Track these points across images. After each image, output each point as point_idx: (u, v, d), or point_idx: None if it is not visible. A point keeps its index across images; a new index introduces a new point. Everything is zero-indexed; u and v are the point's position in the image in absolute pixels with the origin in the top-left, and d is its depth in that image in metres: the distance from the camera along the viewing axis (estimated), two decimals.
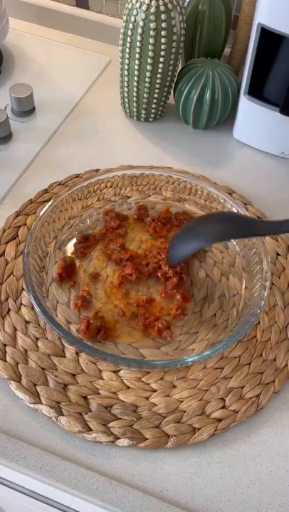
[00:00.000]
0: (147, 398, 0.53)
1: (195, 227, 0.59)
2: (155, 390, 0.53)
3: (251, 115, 0.74)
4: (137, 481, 0.49)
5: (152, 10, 0.65)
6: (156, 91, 0.74)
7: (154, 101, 0.76)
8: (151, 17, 0.65)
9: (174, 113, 0.80)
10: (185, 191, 0.67)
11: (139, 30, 0.67)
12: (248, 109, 0.73)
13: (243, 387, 0.54)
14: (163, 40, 0.67)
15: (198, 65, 0.74)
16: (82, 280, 0.61)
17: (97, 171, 0.72)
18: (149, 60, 0.69)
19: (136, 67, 0.71)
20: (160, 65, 0.70)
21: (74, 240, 0.64)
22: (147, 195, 0.69)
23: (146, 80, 0.72)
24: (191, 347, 0.56)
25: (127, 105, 0.79)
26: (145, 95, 0.75)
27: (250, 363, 0.55)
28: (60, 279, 0.60)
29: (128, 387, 0.53)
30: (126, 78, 0.74)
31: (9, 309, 0.58)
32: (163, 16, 0.65)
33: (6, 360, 0.54)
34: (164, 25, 0.66)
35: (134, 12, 0.66)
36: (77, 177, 0.71)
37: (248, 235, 0.58)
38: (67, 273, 0.60)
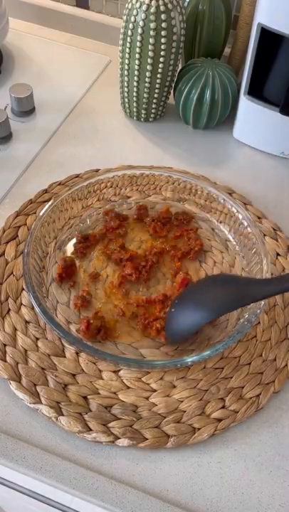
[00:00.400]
0: (147, 398, 0.53)
1: (194, 300, 0.54)
2: (155, 390, 0.53)
3: (251, 115, 0.74)
4: (137, 481, 0.49)
5: (152, 10, 0.65)
6: (156, 91, 0.74)
7: (154, 101, 0.76)
8: (151, 17, 0.65)
9: (174, 113, 0.80)
10: (185, 191, 0.67)
11: (139, 30, 0.67)
12: (248, 109, 0.73)
13: (243, 387, 0.54)
14: (163, 40, 0.67)
15: (198, 65, 0.74)
16: (82, 280, 0.61)
17: (97, 171, 0.72)
18: (149, 60, 0.69)
19: (136, 67, 0.71)
20: (160, 65, 0.70)
21: (74, 240, 0.64)
22: (147, 195, 0.69)
23: (146, 79, 0.72)
24: (191, 347, 0.56)
25: (127, 105, 0.79)
26: (145, 95, 0.75)
27: (250, 363, 0.55)
28: (60, 279, 0.60)
29: (128, 387, 0.53)
30: (126, 78, 0.74)
31: (9, 309, 0.58)
32: (163, 16, 0.65)
33: (6, 360, 0.54)
34: (164, 25, 0.66)
35: (134, 12, 0.66)
36: (77, 177, 0.71)
37: (254, 301, 0.52)
38: (67, 273, 0.60)
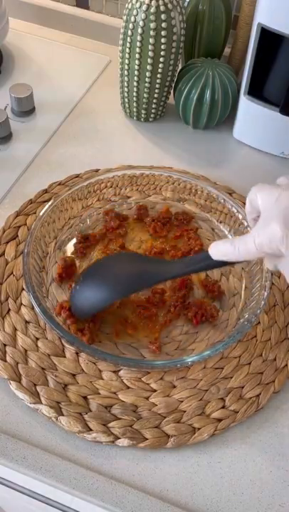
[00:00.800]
0: (147, 398, 0.53)
1: (104, 276, 0.53)
2: (155, 390, 0.53)
3: (251, 115, 0.74)
4: (137, 481, 0.49)
5: (152, 10, 0.65)
6: (156, 91, 0.74)
7: (154, 101, 0.76)
8: (151, 17, 0.65)
9: (174, 113, 0.80)
10: (185, 191, 0.67)
11: (139, 30, 0.67)
12: (248, 109, 0.73)
13: (243, 387, 0.54)
14: (163, 40, 0.67)
15: (198, 65, 0.74)
16: None
17: (97, 171, 0.72)
18: (149, 60, 0.69)
19: (136, 67, 0.71)
20: (160, 65, 0.70)
21: (74, 240, 0.64)
22: (147, 195, 0.69)
23: (146, 79, 0.72)
24: (191, 347, 0.56)
25: (127, 105, 0.79)
26: (145, 95, 0.75)
27: (250, 363, 0.55)
28: (60, 279, 0.60)
29: (128, 387, 0.53)
30: (126, 78, 0.74)
31: (9, 309, 0.58)
32: (163, 16, 0.65)
33: (6, 360, 0.54)
34: (164, 25, 0.66)
35: (134, 12, 0.66)
36: (77, 177, 0.71)
37: (150, 286, 0.55)
38: (67, 273, 0.60)
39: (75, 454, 0.50)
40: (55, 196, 0.63)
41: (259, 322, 0.58)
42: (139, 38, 0.67)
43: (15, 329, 0.56)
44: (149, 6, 0.65)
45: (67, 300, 0.56)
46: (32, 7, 0.93)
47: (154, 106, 0.77)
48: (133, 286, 0.53)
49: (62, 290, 0.60)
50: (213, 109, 0.75)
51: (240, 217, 0.62)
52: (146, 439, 0.50)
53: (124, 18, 0.68)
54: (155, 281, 0.53)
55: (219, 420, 0.52)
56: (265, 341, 0.57)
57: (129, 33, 0.68)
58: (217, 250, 0.46)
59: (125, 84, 0.75)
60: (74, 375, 0.54)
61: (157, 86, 0.73)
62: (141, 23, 0.66)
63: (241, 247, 0.43)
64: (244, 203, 0.68)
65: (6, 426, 0.51)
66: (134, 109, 0.78)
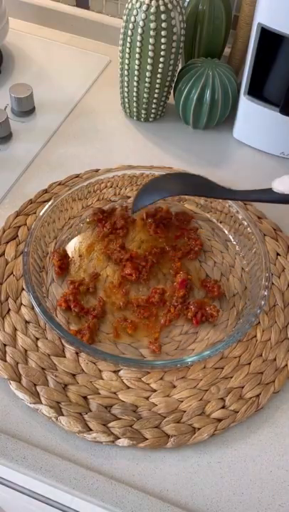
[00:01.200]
0: (147, 398, 0.53)
1: (159, 183, 0.63)
2: (155, 390, 0.53)
3: (251, 115, 0.74)
4: (137, 481, 0.49)
5: (152, 10, 0.65)
6: (156, 91, 0.74)
7: (154, 101, 0.76)
8: (151, 17, 0.65)
9: (174, 113, 0.80)
10: None
11: (139, 30, 0.67)
12: (248, 109, 0.73)
13: (243, 387, 0.54)
14: (163, 40, 0.67)
15: (198, 65, 0.74)
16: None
17: (97, 171, 0.72)
18: (149, 60, 0.69)
19: (136, 67, 0.71)
20: (160, 65, 0.70)
21: (75, 239, 0.64)
22: None
23: (146, 79, 0.72)
24: (191, 347, 0.56)
25: (127, 105, 0.79)
26: (145, 95, 0.75)
27: (250, 363, 0.55)
28: (60, 271, 0.60)
29: (128, 387, 0.53)
30: (126, 78, 0.74)
31: (9, 309, 0.58)
32: (163, 16, 0.65)
33: (6, 360, 0.54)
34: (164, 25, 0.66)
35: (134, 12, 0.66)
36: (77, 177, 0.71)
37: (205, 196, 0.64)
38: (65, 263, 0.60)
39: (75, 454, 0.50)
40: (55, 196, 0.63)
41: (259, 322, 0.58)
42: (139, 38, 0.67)
43: (15, 329, 0.56)
44: (149, 6, 0.65)
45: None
46: (32, 7, 0.93)
47: (154, 106, 0.77)
48: (179, 192, 0.63)
49: (62, 290, 0.60)
50: (213, 109, 0.75)
51: (240, 217, 0.62)
52: (147, 439, 0.50)
53: (124, 18, 0.68)
54: (213, 196, 0.62)
55: (219, 420, 0.52)
56: (265, 341, 0.57)
57: (129, 33, 0.68)
58: (278, 182, 0.51)
59: (125, 84, 0.75)
60: (74, 375, 0.54)
61: (157, 86, 0.73)
62: (141, 23, 0.66)
63: None
64: (244, 203, 0.69)
65: (6, 426, 0.51)
66: (134, 109, 0.78)
